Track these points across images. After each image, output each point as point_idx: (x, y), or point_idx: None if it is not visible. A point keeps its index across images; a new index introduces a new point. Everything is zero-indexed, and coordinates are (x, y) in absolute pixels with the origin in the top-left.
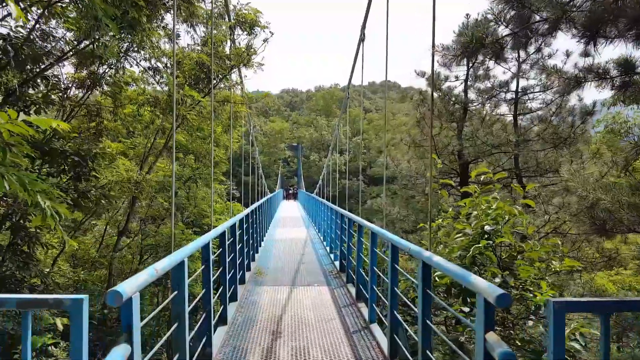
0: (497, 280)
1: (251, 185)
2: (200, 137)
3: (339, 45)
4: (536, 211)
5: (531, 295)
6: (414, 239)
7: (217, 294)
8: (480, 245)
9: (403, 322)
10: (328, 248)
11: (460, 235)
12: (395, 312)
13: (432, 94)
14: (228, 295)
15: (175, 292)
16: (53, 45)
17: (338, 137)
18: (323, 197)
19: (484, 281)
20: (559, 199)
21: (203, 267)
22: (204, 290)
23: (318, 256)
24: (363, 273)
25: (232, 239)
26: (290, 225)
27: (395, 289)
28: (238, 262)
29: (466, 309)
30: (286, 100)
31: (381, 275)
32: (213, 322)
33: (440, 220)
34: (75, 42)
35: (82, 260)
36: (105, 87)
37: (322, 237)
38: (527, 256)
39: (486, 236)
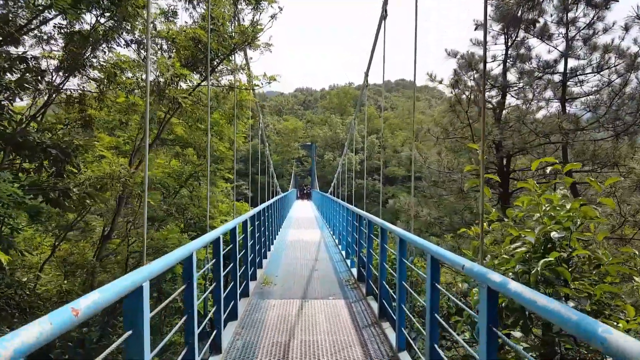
0: (571, 304)
1: (260, 184)
2: (202, 129)
3: (355, 45)
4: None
5: (614, 324)
6: (448, 247)
7: (211, 313)
8: (550, 258)
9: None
10: (344, 252)
11: (518, 244)
12: (435, 345)
13: (485, 49)
14: (223, 317)
15: (129, 333)
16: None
17: (354, 135)
18: (337, 197)
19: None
20: (621, 196)
21: (184, 286)
22: (185, 316)
23: (333, 262)
24: (387, 286)
25: (231, 245)
26: (303, 227)
27: (436, 315)
28: (239, 273)
29: (517, 334)
30: (300, 99)
31: (410, 290)
32: (199, 357)
33: (485, 224)
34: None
35: (75, 266)
36: (92, 72)
37: (337, 240)
38: (604, 270)
39: (550, 245)
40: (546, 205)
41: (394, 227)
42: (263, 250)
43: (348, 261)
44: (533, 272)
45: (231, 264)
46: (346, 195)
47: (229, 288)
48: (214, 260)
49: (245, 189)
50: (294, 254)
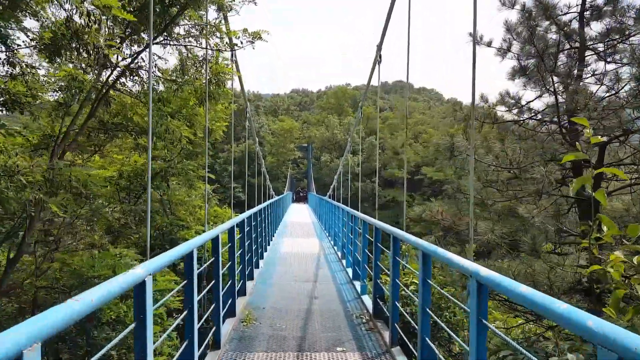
0: None
1: (251, 186)
2: (165, 112)
3: (350, 25)
4: None
5: None
6: (528, 279)
7: None
8: None
9: None
10: (350, 271)
11: None
12: None
13: None
14: None
15: None
16: None
17: (359, 132)
18: (338, 201)
19: None
20: None
21: None
22: None
23: (337, 285)
24: (433, 346)
25: (187, 279)
26: (300, 235)
27: None
28: (197, 326)
29: None
30: (296, 100)
31: None
32: None
33: (595, 250)
34: None
35: (9, 286)
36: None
37: (339, 253)
38: None
39: None
40: None
41: (459, 258)
42: (248, 270)
43: (357, 284)
44: None
45: (185, 311)
46: (349, 199)
47: (184, 346)
48: (133, 324)
49: (237, 192)
50: (288, 273)
